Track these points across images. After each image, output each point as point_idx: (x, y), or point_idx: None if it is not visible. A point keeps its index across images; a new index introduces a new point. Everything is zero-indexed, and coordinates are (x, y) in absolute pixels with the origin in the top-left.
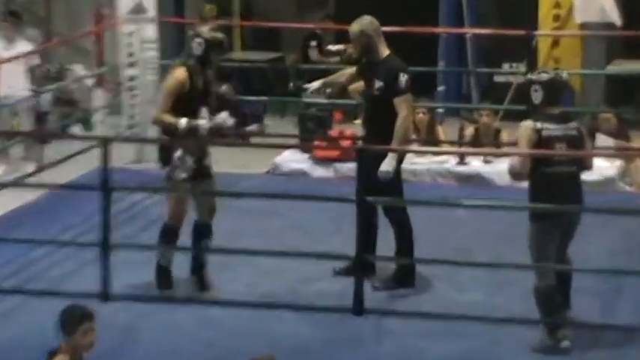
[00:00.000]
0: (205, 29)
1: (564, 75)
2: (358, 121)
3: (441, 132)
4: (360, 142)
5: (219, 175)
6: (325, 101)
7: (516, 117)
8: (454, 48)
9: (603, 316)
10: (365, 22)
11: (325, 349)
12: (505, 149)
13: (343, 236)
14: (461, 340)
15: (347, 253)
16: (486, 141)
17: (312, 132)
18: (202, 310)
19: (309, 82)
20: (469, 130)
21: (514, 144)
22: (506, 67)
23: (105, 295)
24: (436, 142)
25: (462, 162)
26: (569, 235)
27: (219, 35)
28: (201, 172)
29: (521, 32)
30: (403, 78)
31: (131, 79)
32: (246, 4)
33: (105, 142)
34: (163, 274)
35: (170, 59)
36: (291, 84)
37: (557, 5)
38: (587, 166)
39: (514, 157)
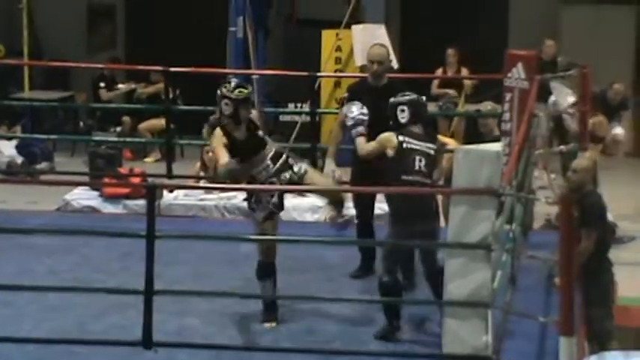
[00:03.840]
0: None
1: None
2: (148, 159)
3: None
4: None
5: (7, 213)
6: (115, 139)
7: (302, 154)
8: None
9: None
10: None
11: None
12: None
13: (133, 270)
14: None
15: (137, 287)
16: None
17: (102, 169)
18: None
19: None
20: None
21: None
22: (291, 106)
23: None
24: None
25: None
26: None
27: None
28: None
29: (305, 74)
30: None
31: None
32: (35, 44)
33: None
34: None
35: None
36: (82, 123)
37: (339, 49)
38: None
39: (364, 145)
